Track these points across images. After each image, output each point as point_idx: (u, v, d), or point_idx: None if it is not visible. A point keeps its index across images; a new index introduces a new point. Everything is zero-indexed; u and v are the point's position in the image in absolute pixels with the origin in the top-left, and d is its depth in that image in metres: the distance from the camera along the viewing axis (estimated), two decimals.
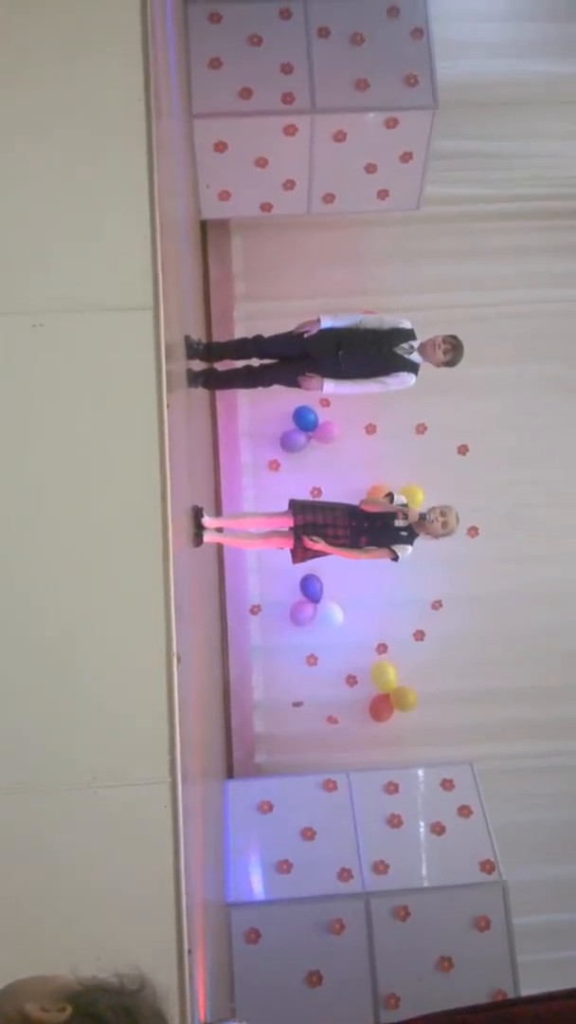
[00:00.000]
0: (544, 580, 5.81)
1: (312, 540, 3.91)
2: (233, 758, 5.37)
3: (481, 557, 5.77)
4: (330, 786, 4.89)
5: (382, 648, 5.69)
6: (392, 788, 4.90)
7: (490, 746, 5.47)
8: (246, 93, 5.10)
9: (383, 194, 5.62)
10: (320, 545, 3.92)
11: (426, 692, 5.48)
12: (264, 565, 5.70)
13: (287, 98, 5.11)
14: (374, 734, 5.52)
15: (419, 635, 5.71)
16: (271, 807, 4.77)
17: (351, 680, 5.63)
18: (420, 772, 5.05)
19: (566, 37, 6.08)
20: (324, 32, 5.20)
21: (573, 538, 5.93)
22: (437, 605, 5.74)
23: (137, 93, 2.76)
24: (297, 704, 5.56)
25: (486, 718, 5.56)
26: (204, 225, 5.99)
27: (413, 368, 4.05)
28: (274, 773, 5.31)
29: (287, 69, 5.13)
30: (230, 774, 5.31)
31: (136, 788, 2.36)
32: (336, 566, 5.44)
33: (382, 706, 5.50)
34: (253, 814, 4.75)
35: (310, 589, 5.58)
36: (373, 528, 3.99)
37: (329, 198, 5.63)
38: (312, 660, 5.64)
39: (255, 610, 5.72)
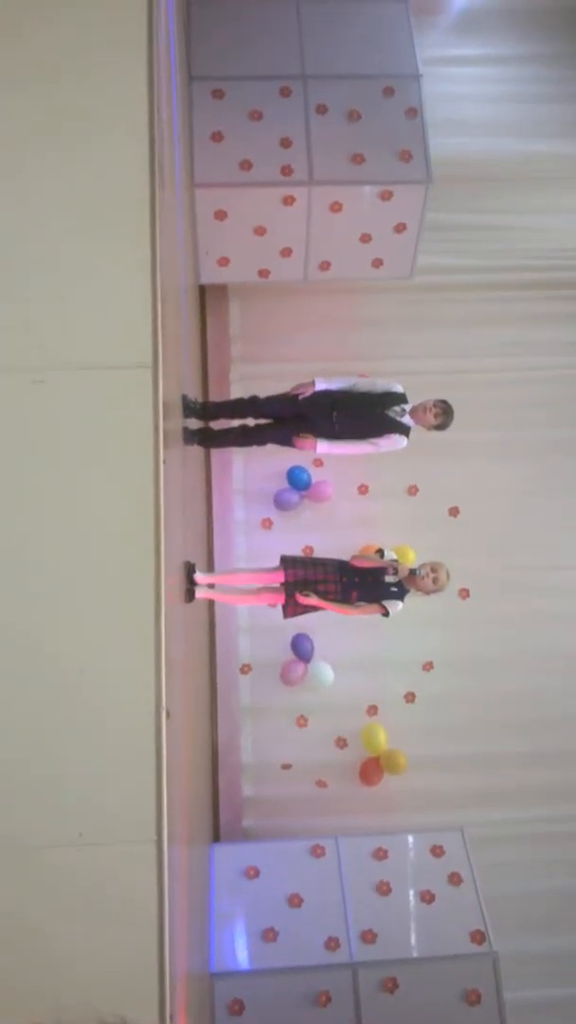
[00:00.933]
0: (536, 643, 5.82)
1: (304, 595, 3.92)
2: (220, 821, 5.27)
3: (472, 619, 5.78)
4: (318, 852, 4.80)
5: (372, 710, 5.64)
6: (381, 854, 4.81)
7: (481, 812, 5.39)
8: (246, 165, 5.29)
9: (377, 263, 5.79)
10: (312, 600, 3.93)
11: (416, 755, 5.43)
12: (255, 624, 5.68)
13: (286, 170, 5.29)
14: (364, 798, 5.44)
15: (410, 697, 5.67)
16: (257, 872, 4.68)
17: (341, 742, 5.57)
18: (410, 838, 4.97)
19: (552, 119, 6.43)
20: (322, 109, 5.41)
21: (564, 601, 5.95)
22: (428, 667, 5.71)
23: (142, 164, 2.86)
24: (286, 767, 5.48)
25: (477, 783, 5.49)
26: (203, 289, 6.15)
27: (404, 430, 4.13)
28: (261, 837, 5.21)
29: (286, 143, 5.33)
30: (216, 838, 5.21)
31: (121, 847, 2.32)
32: (327, 625, 5.47)
33: (372, 769, 5.43)
34: (239, 879, 4.65)
35: (301, 648, 5.56)
36: (364, 583, 4.00)
37: (325, 266, 5.79)
38: (302, 721, 5.58)
39: (245, 669, 5.68)
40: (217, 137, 5.32)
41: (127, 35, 2.99)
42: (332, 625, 5.46)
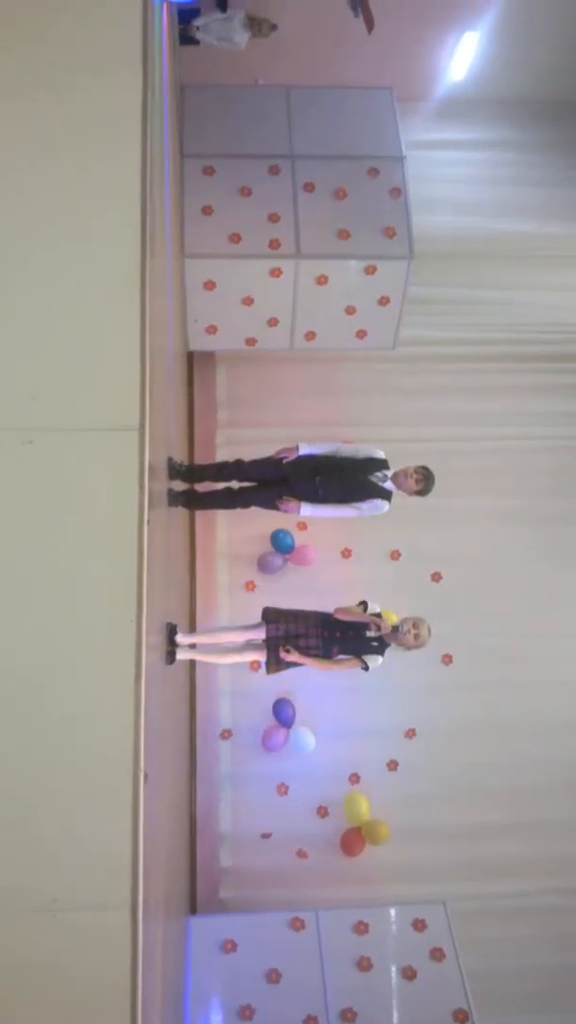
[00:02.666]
0: (520, 710, 5.80)
1: (285, 651, 3.92)
2: (197, 892, 5.13)
3: (455, 685, 5.76)
4: (297, 925, 4.67)
5: (354, 778, 5.56)
6: (362, 928, 4.68)
7: (465, 885, 5.30)
8: (235, 238, 5.46)
9: (361, 334, 5.95)
10: (294, 656, 3.92)
11: (399, 825, 5.34)
12: (236, 687, 5.64)
13: (274, 244, 5.47)
14: (345, 869, 5.32)
15: (392, 765, 5.61)
16: (235, 946, 4.53)
17: (322, 811, 5.47)
18: (392, 911, 4.84)
19: (528, 201, 6.74)
20: (310, 187, 5.63)
21: (548, 667, 5.95)
22: (411, 734, 5.67)
23: (134, 236, 2.97)
24: (266, 836, 5.37)
25: (461, 854, 5.40)
26: (191, 355, 6.28)
27: (386, 496, 4.19)
28: (239, 909, 5.07)
29: (274, 218, 5.52)
30: (193, 909, 5.06)
31: (94, 916, 2.26)
32: (309, 690, 5.44)
33: (353, 839, 5.33)
34: (216, 954, 4.50)
35: (282, 714, 5.50)
36: (345, 637, 4.00)
37: (310, 335, 5.95)
38: (282, 789, 5.49)
39: (225, 735, 5.61)
40: (208, 211, 5.51)
41: (122, 115, 3.12)
42: (314, 690, 5.44)
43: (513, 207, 6.74)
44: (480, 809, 5.53)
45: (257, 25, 5.79)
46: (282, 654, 3.91)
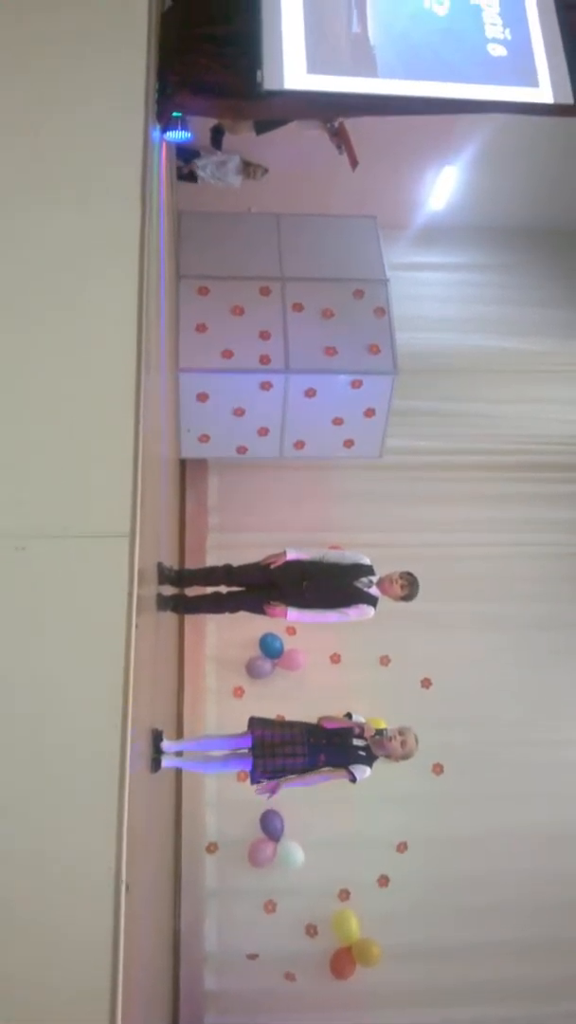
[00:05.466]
0: (516, 822, 5.66)
1: (268, 778, 3.89)
2: (179, 1016, 4.88)
3: (446, 797, 5.65)
4: None
5: (344, 894, 5.39)
6: None
7: (462, 1009, 5.07)
8: (228, 354, 5.71)
9: (349, 443, 6.15)
10: (280, 788, 3.91)
11: (391, 945, 5.15)
12: (223, 798, 5.52)
13: (264, 359, 5.73)
14: (335, 993, 5.09)
15: (383, 881, 5.44)
16: None
17: (311, 930, 5.27)
18: None
19: (507, 319, 7.12)
20: (299, 307, 5.93)
21: (544, 777, 5.85)
22: (402, 847, 5.52)
23: (129, 353, 3.13)
24: (252, 957, 5.15)
25: (456, 976, 5.19)
26: (184, 462, 6.45)
27: (372, 601, 4.25)
28: None
29: (265, 336, 5.80)
30: None
31: None
32: (298, 802, 5.31)
33: (344, 960, 5.12)
34: None
35: (270, 826, 5.37)
36: (331, 746, 3.97)
37: (299, 445, 6.14)
38: (270, 906, 5.30)
39: (211, 848, 5.46)
40: (201, 328, 5.78)
41: (122, 240, 3.33)
42: (303, 802, 5.30)
43: (491, 325, 7.13)
44: (477, 928, 5.34)
45: (251, 170, 6.24)
46: (268, 790, 3.89)
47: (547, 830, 5.70)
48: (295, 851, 5.32)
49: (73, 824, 2.39)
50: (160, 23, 4.40)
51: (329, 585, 4.22)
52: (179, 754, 4.13)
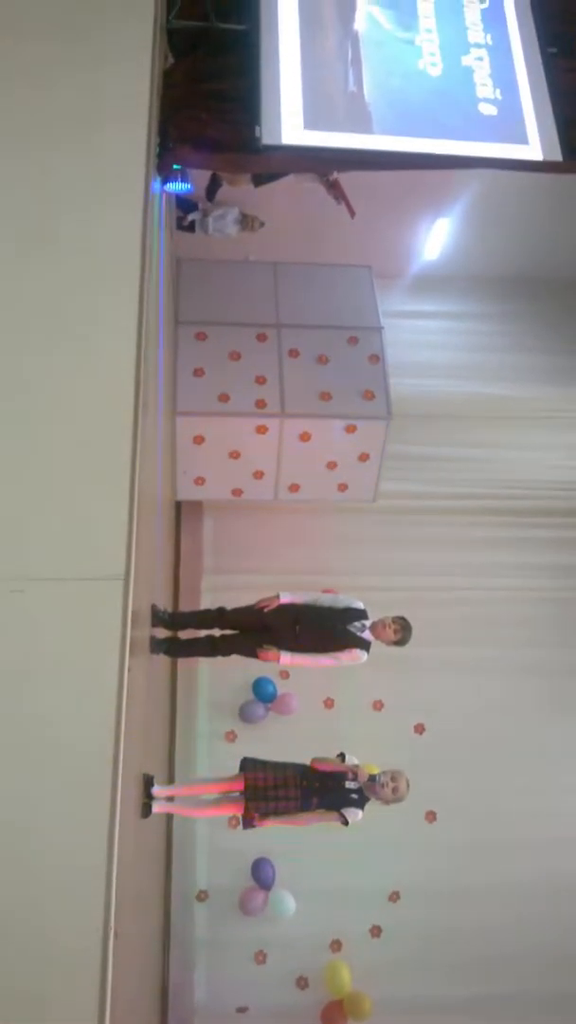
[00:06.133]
0: (507, 871, 5.58)
1: (260, 820, 3.85)
2: None
3: (440, 845, 5.59)
4: None
5: (336, 945, 5.29)
6: None
7: None
8: (224, 397, 5.79)
9: (343, 487, 6.21)
10: (269, 821, 3.86)
11: (383, 998, 5.06)
12: (214, 845, 5.44)
13: (260, 403, 5.80)
14: None
15: (375, 931, 5.35)
16: None
17: (302, 982, 5.17)
18: None
19: (500, 366, 7.24)
20: (294, 353, 6.03)
21: (540, 826, 5.78)
22: (394, 897, 5.45)
23: (128, 396, 3.18)
24: (242, 1010, 5.04)
25: None
26: (180, 505, 6.49)
27: (364, 645, 4.24)
28: None
29: (261, 380, 5.88)
30: None
31: None
32: (289, 850, 5.26)
33: (335, 1014, 5.01)
34: None
35: (262, 874, 5.30)
36: (324, 788, 3.93)
37: (294, 488, 6.19)
38: (260, 957, 5.21)
39: (202, 896, 5.37)
40: (199, 372, 5.86)
41: (122, 289, 3.41)
42: (295, 847, 5.25)
43: (484, 372, 7.24)
44: (471, 981, 5.23)
45: (249, 222, 6.40)
46: (257, 821, 3.85)
47: (542, 879, 5.61)
48: (286, 900, 5.25)
49: (62, 869, 2.38)
50: (163, 80, 4.55)
51: (322, 629, 4.22)
52: (170, 799, 4.08)
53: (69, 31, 3.96)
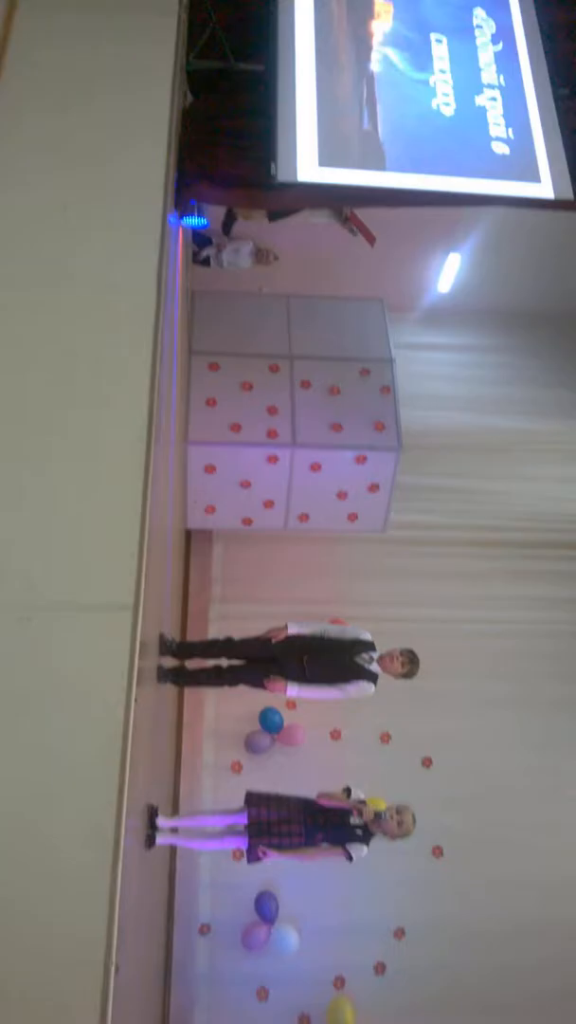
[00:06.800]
0: (515, 909, 5.50)
1: (263, 853, 3.83)
2: None
3: (446, 881, 5.52)
4: None
5: (339, 982, 5.21)
6: None
7: None
8: (236, 427, 5.83)
9: (352, 517, 6.22)
10: (273, 855, 3.83)
11: None
12: (217, 878, 5.40)
13: (271, 433, 5.84)
14: None
15: (380, 968, 5.28)
16: None
17: (304, 1020, 5.10)
18: None
19: (511, 399, 7.28)
20: (306, 384, 6.08)
21: (548, 863, 5.70)
22: (399, 934, 5.37)
23: (141, 425, 3.21)
24: None
25: None
26: (189, 532, 6.51)
27: (372, 677, 4.23)
28: None
29: (273, 411, 5.93)
30: None
31: None
32: (294, 882, 5.21)
33: None
34: None
35: (265, 909, 5.24)
36: (329, 824, 3.91)
37: (304, 517, 6.21)
38: (262, 994, 5.13)
39: (204, 930, 5.31)
40: (211, 402, 5.91)
41: (138, 320, 3.46)
42: (299, 882, 5.21)
43: (495, 404, 7.29)
44: (478, 1020, 5.13)
45: (263, 255, 6.49)
46: (260, 855, 3.83)
47: (550, 918, 5.53)
48: (289, 935, 5.18)
49: (64, 900, 2.36)
50: (181, 118, 4.65)
51: (330, 661, 4.22)
52: (174, 830, 4.06)
53: (91, 70, 4.06)
